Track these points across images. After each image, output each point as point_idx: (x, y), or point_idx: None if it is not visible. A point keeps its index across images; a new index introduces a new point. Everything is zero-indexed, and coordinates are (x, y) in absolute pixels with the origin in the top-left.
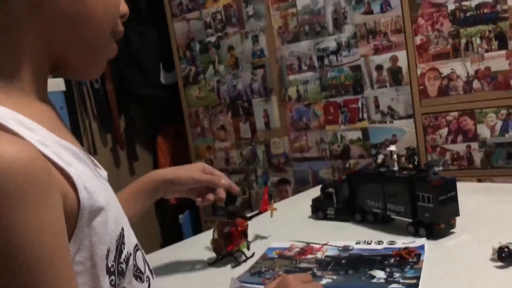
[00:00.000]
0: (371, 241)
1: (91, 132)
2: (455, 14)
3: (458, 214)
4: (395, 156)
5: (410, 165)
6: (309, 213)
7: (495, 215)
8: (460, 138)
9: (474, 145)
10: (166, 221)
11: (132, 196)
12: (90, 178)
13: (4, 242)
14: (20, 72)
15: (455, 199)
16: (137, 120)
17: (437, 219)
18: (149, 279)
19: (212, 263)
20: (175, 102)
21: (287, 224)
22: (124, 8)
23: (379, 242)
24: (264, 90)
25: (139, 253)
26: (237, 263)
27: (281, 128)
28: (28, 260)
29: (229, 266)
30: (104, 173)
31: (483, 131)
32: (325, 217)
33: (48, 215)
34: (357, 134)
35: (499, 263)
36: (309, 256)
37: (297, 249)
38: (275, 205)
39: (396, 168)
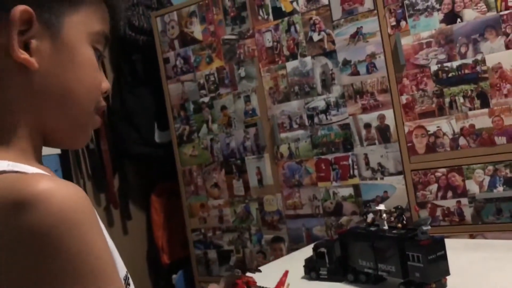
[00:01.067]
0: None
1: (85, 192)
2: (438, 75)
3: (448, 273)
4: (384, 215)
5: (399, 225)
6: (302, 273)
7: (485, 273)
8: (449, 194)
9: (464, 201)
10: (159, 281)
11: None
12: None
13: (85, 255)
14: (17, 142)
15: (444, 258)
16: (131, 179)
17: (428, 279)
18: None
19: None
20: (169, 160)
21: None
22: (105, 86)
23: None
24: (257, 148)
25: None
26: None
27: (274, 185)
28: (102, 270)
29: None
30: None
31: (472, 186)
32: (318, 278)
33: (104, 239)
34: (349, 191)
35: None
36: None
37: None
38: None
39: (386, 227)
